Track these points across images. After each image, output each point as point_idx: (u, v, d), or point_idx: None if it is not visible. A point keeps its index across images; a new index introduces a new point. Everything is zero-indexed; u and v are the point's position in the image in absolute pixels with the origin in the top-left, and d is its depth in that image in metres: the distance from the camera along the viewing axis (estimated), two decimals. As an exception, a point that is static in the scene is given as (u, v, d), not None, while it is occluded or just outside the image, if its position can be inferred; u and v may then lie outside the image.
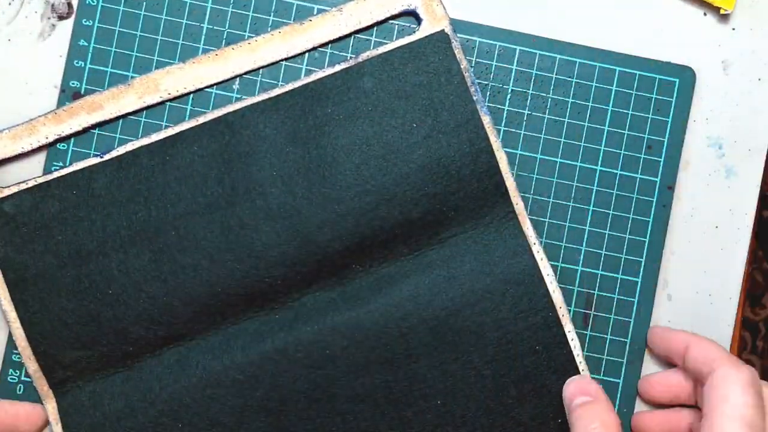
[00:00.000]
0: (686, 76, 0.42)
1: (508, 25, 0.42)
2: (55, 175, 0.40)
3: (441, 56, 0.40)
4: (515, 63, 0.42)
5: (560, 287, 0.40)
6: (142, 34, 0.41)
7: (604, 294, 0.41)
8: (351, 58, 0.41)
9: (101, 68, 0.41)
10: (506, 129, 0.42)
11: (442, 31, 0.40)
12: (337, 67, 0.40)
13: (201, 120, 0.40)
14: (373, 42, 0.42)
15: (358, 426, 0.39)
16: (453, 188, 0.40)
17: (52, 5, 0.41)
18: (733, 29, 0.43)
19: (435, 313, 0.39)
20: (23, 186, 0.40)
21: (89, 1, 0.41)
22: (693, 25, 0.43)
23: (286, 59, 0.41)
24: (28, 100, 0.41)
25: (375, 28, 0.42)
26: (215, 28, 0.42)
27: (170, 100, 0.41)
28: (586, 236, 0.42)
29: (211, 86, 0.41)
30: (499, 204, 0.40)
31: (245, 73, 0.41)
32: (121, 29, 0.41)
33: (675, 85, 0.42)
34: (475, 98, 0.40)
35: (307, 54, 0.42)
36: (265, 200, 0.40)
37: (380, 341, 0.39)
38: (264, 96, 0.40)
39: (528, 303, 0.40)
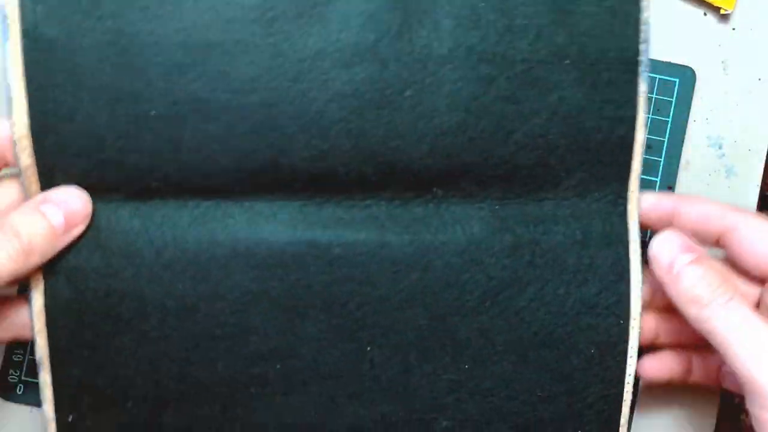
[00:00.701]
0: (686, 75, 0.42)
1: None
2: None
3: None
4: (515, 63, 0.42)
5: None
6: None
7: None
8: None
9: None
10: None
11: None
12: None
13: None
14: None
15: (372, 360, 0.35)
16: (577, 149, 0.35)
17: (52, 5, 0.41)
18: (734, 29, 0.43)
19: (503, 274, 0.35)
20: None
21: None
22: (693, 25, 0.43)
23: None
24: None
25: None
26: None
27: None
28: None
29: None
30: (615, 185, 0.36)
31: None
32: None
33: (675, 84, 0.42)
34: (640, 59, 0.35)
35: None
36: (374, 81, 0.33)
37: (433, 281, 0.35)
38: None
39: (605, 300, 0.35)
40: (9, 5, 0.31)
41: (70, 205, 0.32)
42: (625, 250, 0.36)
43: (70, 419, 0.34)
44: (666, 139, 0.42)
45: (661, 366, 0.37)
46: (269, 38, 0.33)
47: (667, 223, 0.36)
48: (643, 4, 0.35)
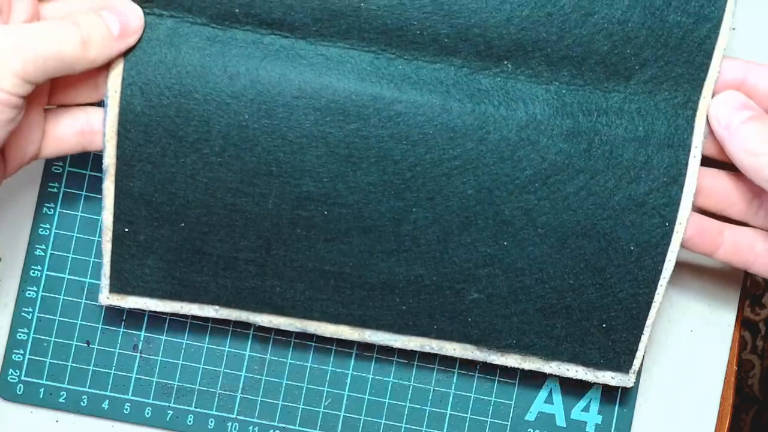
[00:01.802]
0: (687, 75, 0.42)
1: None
2: None
3: None
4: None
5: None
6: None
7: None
8: None
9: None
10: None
11: None
12: None
13: None
14: None
15: (415, 221, 0.36)
16: (654, 41, 0.35)
17: (53, 5, 0.41)
18: (733, 29, 0.43)
19: (557, 157, 0.36)
20: None
21: None
22: (693, 24, 0.42)
23: None
24: (28, 99, 0.41)
25: None
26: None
27: None
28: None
29: None
30: (688, 87, 0.36)
31: None
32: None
33: (675, 84, 0.42)
34: None
35: None
36: None
37: (487, 153, 0.35)
38: None
39: (654, 200, 0.36)
40: None
41: (125, 16, 0.34)
42: (685, 155, 0.36)
43: (126, 230, 0.36)
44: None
45: (693, 223, 0.37)
46: None
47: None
48: None
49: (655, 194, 0.36)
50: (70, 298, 0.40)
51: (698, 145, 0.36)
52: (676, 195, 0.36)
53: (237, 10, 0.35)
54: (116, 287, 0.37)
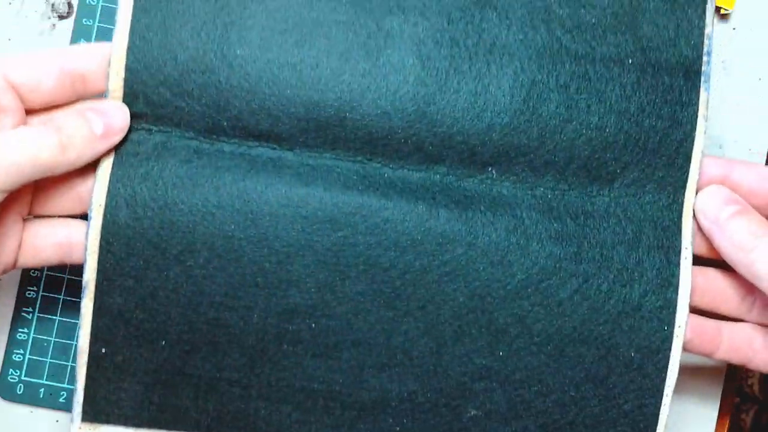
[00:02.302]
0: (687, 75, 0.42)
1: None
2: None
3: (691, 10, 0.36)
4: (516, 63, 0.42)
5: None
6: (142, 33, 0.41)
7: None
8: None
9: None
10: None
11: None
12: None
13: None
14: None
15: (406, 332, 0.35)
16: (633, 146, 0.36)
17: (53, 5, 0.41)
18: (734, 29, 0.43)
19: (546, 261, 0.35)
20: None
21: (89, 1, 0.41)
22: (693, 24, 0.43)
23: None
24: (28, 99, 0.41)
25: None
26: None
27: None
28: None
29: None
30: (671, 189, 0.36)
31: None
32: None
33: (675, 84, 0.42)
34: (703, 69, 0.36)
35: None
36: (453, 32, 0.36)
37: (477, 259, 0.35)
38: None
39: (650, 303, 0.35)
40: None
41: (110, 116, 0.34)
42: (676, 256, 0.36)
43: (103, 351, 0.35)
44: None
45: (692, 324, 0.36)
46: (351, 8, 0.35)
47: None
48: (707, 19, 0.36)
49: (650, 297, 0.36)
50: (71, 298, 0.40)
51: (688, 246, 0.36)
52: (672, 298, 0.36)
53: (225, 123, 0.35)
54: (89, 415, 0.35)
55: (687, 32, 0.36)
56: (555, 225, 0.36)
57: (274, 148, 0.35)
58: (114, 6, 0.41)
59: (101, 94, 0.35)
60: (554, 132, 0.36)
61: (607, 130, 0.36)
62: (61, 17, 0.42)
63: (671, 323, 0.36)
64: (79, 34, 0.41)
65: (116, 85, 0.34)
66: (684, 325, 0.36)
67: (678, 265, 0.36)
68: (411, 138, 0.35)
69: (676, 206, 0.36)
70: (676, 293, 0.36)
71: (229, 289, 0.35)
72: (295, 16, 0.35)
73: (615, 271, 0.36)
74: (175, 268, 0.35)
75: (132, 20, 0.34)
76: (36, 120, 0.34)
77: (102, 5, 0.41)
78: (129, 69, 0.34)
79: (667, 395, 0.36)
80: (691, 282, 0.36)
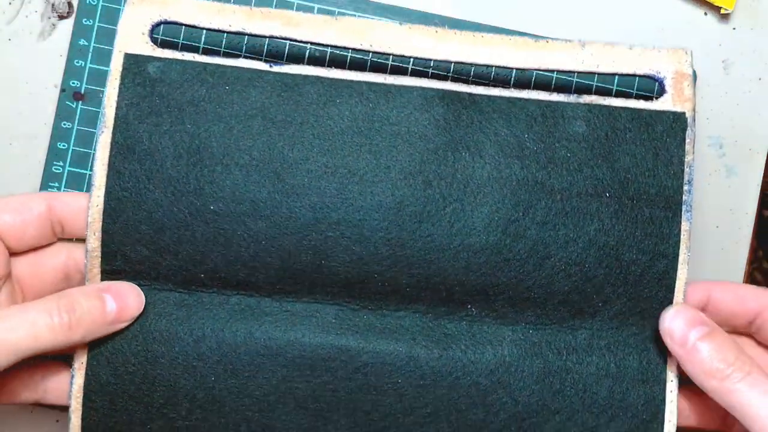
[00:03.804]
0: (687, 75, 0.42)
1: (509, 25, 0.42)
2: (217, 60, 0.36)
3: (670, 139, 0.36)
4: (516, 63, 0.42)
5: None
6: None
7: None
8: (574, 95, 0.37)
9: (102, 68, 0.41)
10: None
11: (683, 114, 0.36)
12: (558, 97, 0.36)
13: (406, 83, 0.36)
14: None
15: None
16: (615, 281, 0.35)
17: (53, 5, 0.41)
18: (734, 29, 0.43)
19: (530, 399, 0.35)
20: (179, 56, 0.36)
21: (89, 1, 0.41)
22: (693, 24, 0.43)
23: (502, 67, 0.37)
24: (28, 100, 0.41)
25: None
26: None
27: (371, 52, 0.38)
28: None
29: (422, 58, 0.37)
30: (654, 320, 0.36)
31: (458, 62, 0.37)
32: (121, 29, 0.41)
33: (675, 84, 0.42)
34: (684, 198, 0.36)
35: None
36: (416, 196, 0.35)
37: (459, 399, 0.35)
38: (511, 93, 0.36)
39: None
40: (108, 104, 0.35)
41: (126, 301, 0.35)
42: (661, 390, 0.36)
43: None
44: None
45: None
46: (323, 156, 0.35)
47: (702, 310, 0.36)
48: (687, 147, 0.36)
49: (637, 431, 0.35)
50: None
51: (673, 379, 0.36)
52: (658, 429, 0.35)
53: (202, 276, 0.35)
54: None
55: (666, 162, 0.36)
56: (537, 361, 0.35)
57: (252, 296, 0.36)
58: (114, 6, 0.41)
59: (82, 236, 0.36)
60: (533, 269, 0.35)
61: (587, 265, 0.35)
62: (61, 17, 0.42)
63: None
64: (79, 34, 0.41)
65: (94, 245, 0.35)
66: None
67: (663, 399, 0.36)
68: (388, 281, 0.35)
69: (660, 338, 0.35)
70: (662, 427, 0.35)
71: None
72: (267, 170, 0.35)
73: (600, 407, 0.35)
74: (158, 421, 0.35)
75: (107, 183, 0.35)
76: (21, 265, 0.35)
77: (102, 5, 0.41)
78: (105, 231, 0.35)
79: None
80: (677, 411, 0.36)
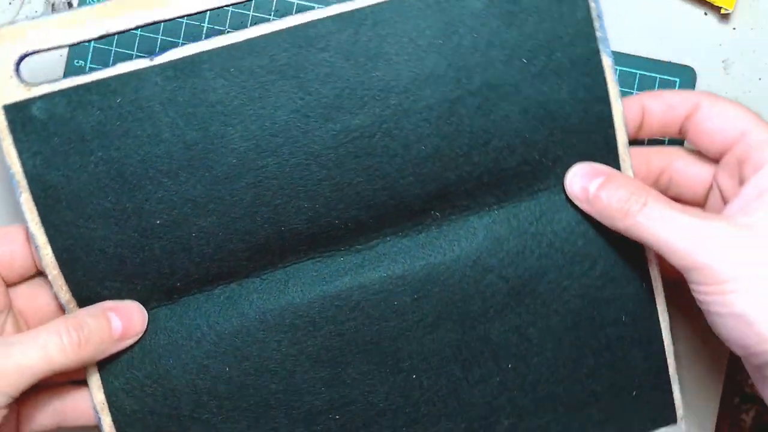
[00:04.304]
0: (687, 75, 0.42)
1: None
2: (95, 76, 0.34)
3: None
4: (516, 63, 0.42)
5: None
6: (142, 33, 0.41)
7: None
8: None
9: (102, 68, 0.41)
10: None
11: None
12: None
13: (272, 28, 0.34)
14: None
15: (421, 385, 0.37)
16: (557, 137, 0.35)
17: (53, 4, 0.41)
18: (734, 29, 0.43)
19: (517, 272, 0.36)
20: (56, 87, 0.33)
21: (89, 1, 0.41)
22: (693, 24, 0.43)
23: None
24: (28, 99, 0.41)
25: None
26: (216, 27, 0.42)
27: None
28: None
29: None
30: (604, 161, 0.36)
31: None
32: (121, 29, 0.41)
33: (676, 84, 0.42)
34: (598, 35, 0.35)
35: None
36: (346, 132, 0.35)
37: (454, 296, 0.36)
38: (338, 9, 0.34)
39: (621, 271, 0.36)
40: (12, 164, 0.34)
41: (131, 318, 0.35)
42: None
43: None
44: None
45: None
46: (242, 127, 0.34)
47: (639, 128, 0.37)
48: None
49: (620, 263, 0.37)
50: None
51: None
52: (640, 256, 0.37)
53: (178, 284, 0.36)
54: None
55: (571, 3, 0.35)
56: (512, 237, 0.36)
57: (232, 282, 0.36)
58: (114, 6, 0.41)
59: None
60: (479, 158, 0.35)
61: (527, 134, 0.35)
62: (61, 17, 0.42)
63: (648, 279, 0.37)
64: (79, 34, 0.41)
65: (66, 297, 0.35)
66: (658, 275, 0.37)
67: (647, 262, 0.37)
68: (348, 221, 0.36)
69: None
70: (643, 251, 0.36)
71: (250, 421, 0.36)
72: (193, 166, 0.34)
73: (581, 255, 0.36)
74: (194, 427, 0.36)
75: (50, 241, 0.34)
76: (21, 292, 0.36)
77: (102, 5, 0.41)
78: (70, 281, 0.35)
79: (666, 336, 0.37)
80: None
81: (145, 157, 0.34)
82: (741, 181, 0.34)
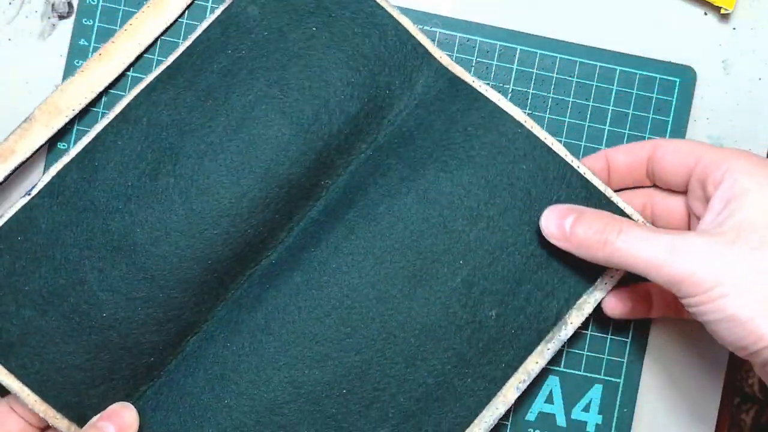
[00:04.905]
0: (687, 75, 0.42)
1: (509, 25, 0.42)
2: None
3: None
4: (516, 62, 0.42)
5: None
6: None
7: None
8: None
9: None
10: (507, 129, 0.42)
11: None
12: (218, 12, 0.39)
13: (111, 116, 0.38)
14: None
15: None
16: (376, 69, 0.39)
17: (53, 5, 0.41)
18: (734, 29, 0.43)
19: (418, 174, 0.38)
20: None
21: (89, 1, 0.41)
22: (693, 24, 0.43)
23: (166, 31, 0.41)
24: (28, 99, 0.41)
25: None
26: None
27: (78, 116, 0.41)
28: (586, 236, 0.42)
29: (108, 89, 0.41)
30: (425, 65, 0.40)
31: (135, 61, 0.41)
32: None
33: (676, 84, 0.42)
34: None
35: (186, 16, 0.41)
36: (212, 158, 0.37)
37: (379, 236, 0.37)
38: (154, 74, 0.39)
39: (497, 133, 0.38)
40: None
41: (122, 420, 0.36)
42: (486, 98, 0.39)
43: None
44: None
45: (624, 303, 0.39)
46: (130, 206, 0.37)
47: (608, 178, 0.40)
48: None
49: (493, 133, 0.38)
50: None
51: (480, 84, 0.39)
52: (509, 117, 0.38)
53: (150, 360, 0.37)
54: None
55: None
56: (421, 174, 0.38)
57: (198, 332, 0.38)
58: (114, 6, 0.41)
59: None
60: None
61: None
62: (61, 17, 0.42)
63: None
64: (79, 34, 0.41)
65: (65, 424, 0.37)
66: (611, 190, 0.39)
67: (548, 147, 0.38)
68: (261, 225, 0.38)
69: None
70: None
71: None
72: (107, 260, 0.37)
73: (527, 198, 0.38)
74: None
75: (23, 381, 0.36)
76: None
77: (102, 5, 0.41)
78: (58, 408, 0.36)
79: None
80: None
81: (64, 268, 0.37)
82: (707, 200, 0.36)
